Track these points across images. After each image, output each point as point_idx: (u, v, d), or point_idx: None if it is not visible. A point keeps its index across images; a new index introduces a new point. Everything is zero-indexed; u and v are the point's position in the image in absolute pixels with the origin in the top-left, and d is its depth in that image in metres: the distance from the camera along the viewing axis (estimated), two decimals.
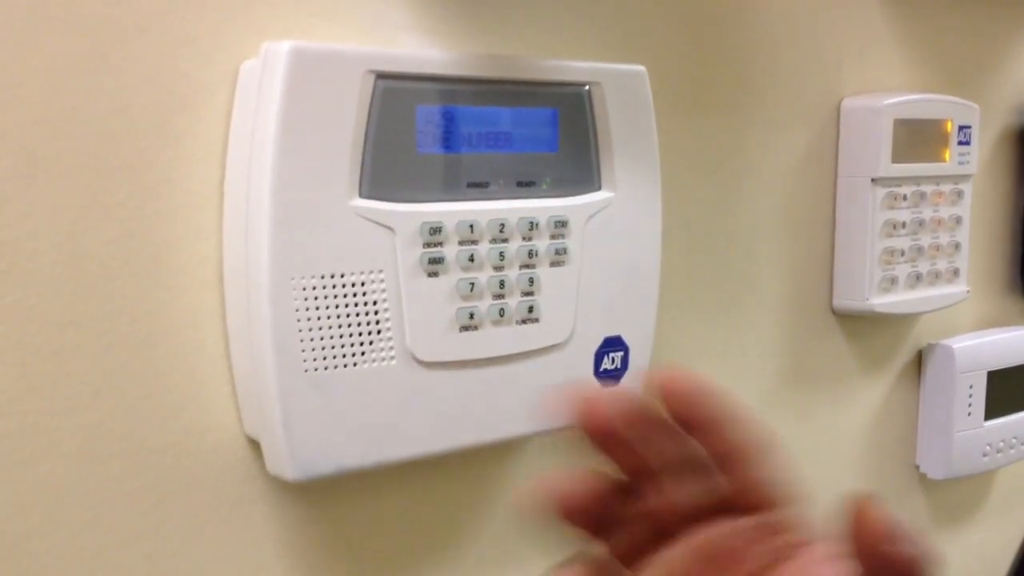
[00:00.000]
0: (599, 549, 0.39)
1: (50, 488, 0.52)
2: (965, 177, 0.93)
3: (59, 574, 0.53)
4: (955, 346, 0.97)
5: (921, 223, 0.89)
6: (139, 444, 0.55)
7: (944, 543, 1.06)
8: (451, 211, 0.58)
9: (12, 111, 0.49)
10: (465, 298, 0.59)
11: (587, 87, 0.63)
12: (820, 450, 0.92)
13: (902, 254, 0.88)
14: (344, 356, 0.55)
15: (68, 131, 0.51)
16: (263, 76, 0.53)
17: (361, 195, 0.55)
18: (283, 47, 0.52)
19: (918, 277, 0.90)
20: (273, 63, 0.52)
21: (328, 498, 0.61)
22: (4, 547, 0.51)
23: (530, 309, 0.61)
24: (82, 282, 0.52)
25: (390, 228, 0.56)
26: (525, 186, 0.61)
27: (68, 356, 0.52)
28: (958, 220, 0.93)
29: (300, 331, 0.54)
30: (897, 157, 0.86)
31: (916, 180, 0.88)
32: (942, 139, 0.90)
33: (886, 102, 0.85)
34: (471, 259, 0.59)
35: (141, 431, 0.55)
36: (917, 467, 1.01)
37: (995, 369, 1.00)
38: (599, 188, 0.64)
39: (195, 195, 0.55)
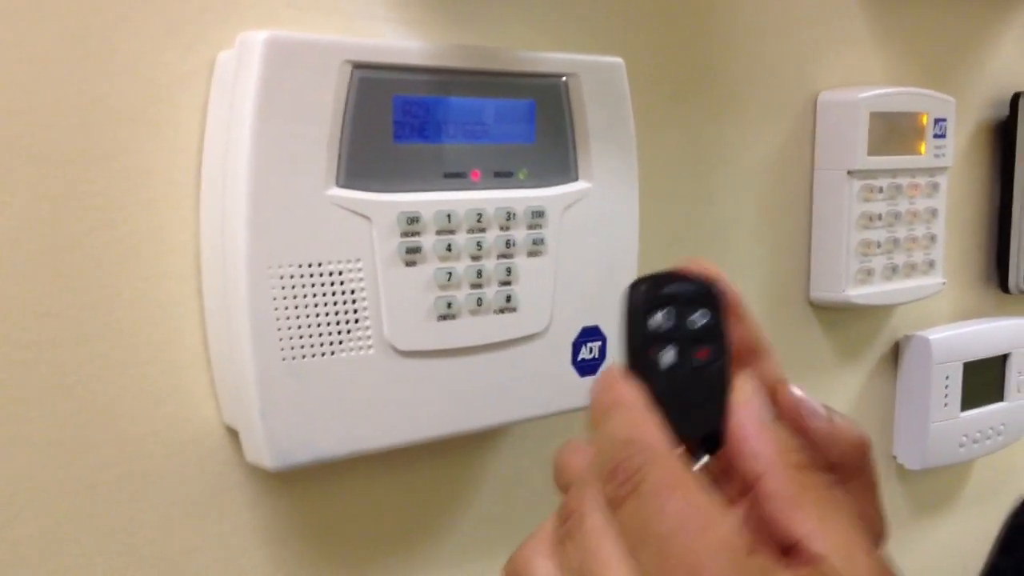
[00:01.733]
0: None
1: (28, 478, 0.52)
2: (941, 170, 0.93)
3: (37, 564, 0.53)
4: (931, 337, 0.98)
5: (897, 215, 0.90)
6: (117, 434, 0.55)
7: (921, 533, 1.07)
8: (428, 201, 0.58)
9: None
10: (443, 288, 0.59)
11: (564, 78, 0.63)
12: None
13: (878, 246, 0.89)
14: (322, 345, 0.56)
15: (46, 120, 0.51)
16: (239, 66, 0.53)
17: (338, 184, 0.55)
18: (259, 37, 0.52)
19: (894, 269, 0.91)
20: (249, 53, 0.52)
21: (306, 487, 0.62)
22: None
23: (508, 299, 0.62)
24: (60, 272, 0.52)
25: (367, 218, 0.56)
26: (502, 176, 0.62)
27: (46, 346, 0.52)
28: (934, 212, 0.94)
29: (278, 320, 0.54)
30: (873, 150, 0.87)
31: (892, 173, 0.89)
32: (918, 132, 0.91)
33: (862, 95, 0.86)
34: (448, 249, 0.59)
35: (119, 421, 0.55)
36: (894, 457, 1.02)
37: (971, 360, 1.01)
38: (576, 179, 0.65)
39: (172, 185, 0.55)
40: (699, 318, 0.39)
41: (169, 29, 0.54)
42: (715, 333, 0.39)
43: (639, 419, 0.37)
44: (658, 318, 0.38)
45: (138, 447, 0.55)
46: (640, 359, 0.38)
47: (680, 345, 0.38)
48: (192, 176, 0.56)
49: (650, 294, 0.39)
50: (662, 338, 0.38)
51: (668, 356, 0.38)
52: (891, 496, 1.03)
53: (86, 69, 0.52)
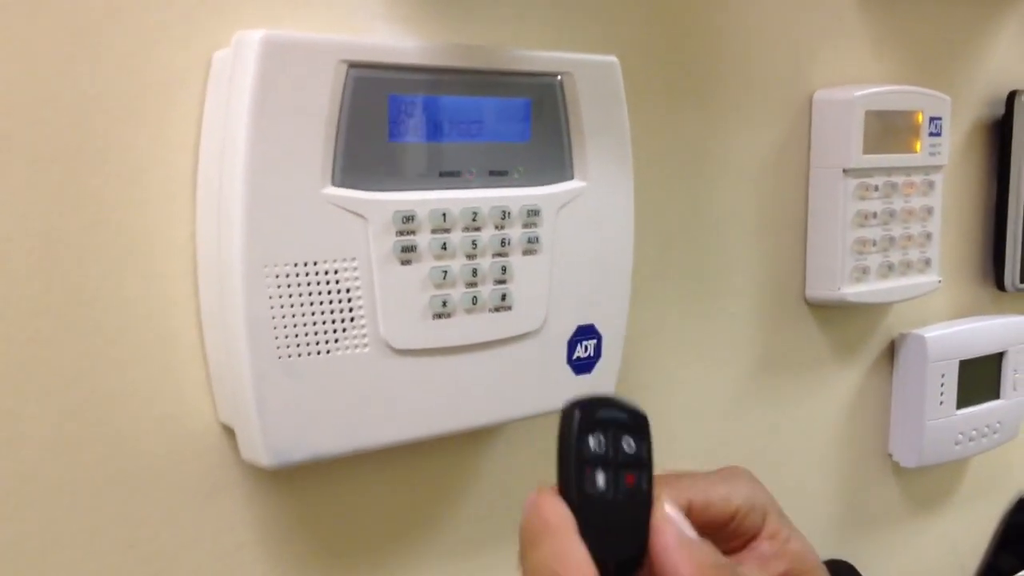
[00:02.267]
0: None
1: (25, 475, 0.52)
2: (936, 168, 0.94)
3: (34, 560, 0.53)
4: (927, 335, 0.99)
5: (892, 213, 0.90)
6: (114, 431, 0.55)
7: (917, 531, 1.07)
8: (424, 199, 0.58)
9: None
10: (438, 286, 0.59)
11: (559, 77, 0.64)
12: (793, 439, 0.93)
13: (874, 244, 0.89)
14: (318, 343, 0.56)
15: (42, 118, 0.51)
16: (235, 65, 0.53)
17: (334, 183, 0.55)
18: (255, 36, 0.52)
19: (890, 267, 0.91)
20: (245, 52, 0.53)
21: (302, 484, 0.62)
22: None
23: (503, 297, 0.62)
24: (56, 269, 0.52)
25: (362, 216, 0.56)
26: (498, 175, 0.62)
27: (42, 343, 0.52)
28: (929, 210, 0.94)
29: (273, 318, 0.54)
30: (868, 148, 0.87)
31: (887, 171, 0.89)
32: (913, 130, 0.91)
33: (857, 94, 0.86)
34: (444, 247, 0.59)
35: (116, 419, 0.55)
36: (890, 455, 1.02)
37: (967, 358, 1.01)
38: (571, 177, 0.65)
39: (168, 183, 0.55)
40: (628, 444, 0.40)
41: (165, 27, 0.54)
42: (642, 460, 0.41)
43: (565, 550, 0.39)
44: (592, 442, 0.40)
45: (134, 445, 0.56)
46: (573, 480, 0.40)
47: (611, 470, 0.40)
48: (188, 174, 0.56)
49: (586, 418, 0.41)
50: (595, 462, 0.40)
51: (599, 479, 0.40)
52: (887, 494, 1.04)
53: (81, 67, 0.52)
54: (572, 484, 0.40)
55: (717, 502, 0.45)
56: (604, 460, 0.40)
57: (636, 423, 0.41)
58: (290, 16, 0.58)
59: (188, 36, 0.55)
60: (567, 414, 0.41)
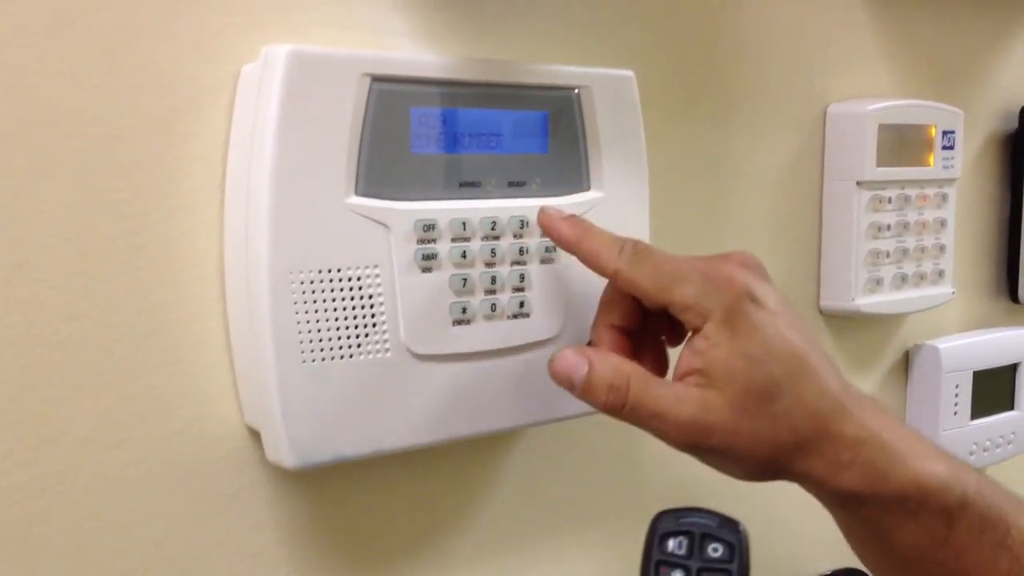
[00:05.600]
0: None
1: (57, 474, 0.54)
2: (949, 181, 0.95)
3: (65, 558, 0.55)
4: (941, 346, 0.99)
5: (906, 225, 0.91)
6: (143, 433, 0.56)
7: None
8: (444, 209, 0.60)
9: (25, 112, 0.51)
10: (458, 293, 0.61)
11: (576, 91, 0.65)
12: None
13: (887, 256, 0.90)
14: (341, 348, 0.57)
15: (78, 131, 0.53)
16: (263, 79, 0.55)
17: (357, 193, 0.57)
18: (282, 51, 0.54)
19: (903, 278, 0.92)
20: (272, 66, 0.54)
21: (326, 486, 0.63)
22: (13, 530, 0.53)
23: (521, 304, 0.63)
24: (90, 276, 0.54)
25: (385, 225, 0.58)
26: (516, 186, 0.63)
27: (76, 347, 0.54)
28: (943, 223, 0.95)
29: (299, 324, 0.56)
30: (882, 161, 0.88)
31: (901, 184, 0.90)
32: (926, 144, 0.92)
33: (871, 107, 0.88)
34: (464, 255, 0.61)
35: (145, 420, 0.56)
36: None
37: (981, 369, 1.02)
38: (588, 188, 0.66)
39: (198, 193, 0.57)
40: (715, 551, 0.42)
41: (195, 43, 0.56)
42: (730, 565, 0.43)
43: None
44: (671, 544, 0.42)
45: (163, 446, 0.57)
46: None
47: (691, 573, 0.42)
48: (217, 184, 0.58)
49: (669, 522, 0.43)
50: (672, 563, 0.42)
51: None
52: None
53: (116, 82, 0.54)
54: None
55: (652, 293, 0.53)
56: (683, 562, 0.42)
57: (726, 530, 0.43)
58: (316, 32, 0.60)
59: (218, 51, 0.57)
60: (654, 518, 0.43)
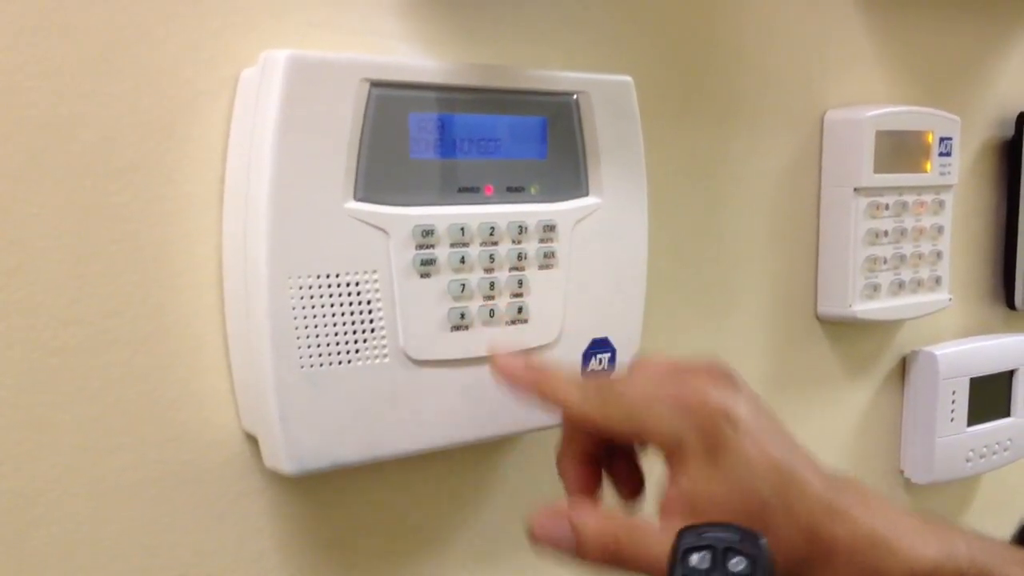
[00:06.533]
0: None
1: (53, 480, 0.54)
2: (946, 187, 0.95)
3: (60, 564, 0.54)
4: (938, 353, 0.99)
5: (903, 232, 0.92)
6: (140, 438, 0.56)
7: None
8: (443, 214, 0.60)
9: (21, 115, 0.51)
10: (456, 299, 0.61)
11: (575, 96, 0.65)
12: None
13: (884, 262, 0.90)
14: (339, 354, 0.57)
15: (74, 134, 0.53)
16: (262, 83, 0.55)
17: (356, 198, 0.57)
18: (281, 55, 0.54)
19: (901, 285, 0.92)
20: (271, 71, 0.54)
21: (324, 491, 0.63)
22: (8, 536, 0.53)
23: (519, 310, 0.63)
24: (87, 280, 0.54)
25: (383, 230, 0.58)
26: (515, 191, 0.63)
27: (72, 352, 0.54)
28: (940, 229, 0.95)
29: (297, 329, 0.56)
30: (879, 167, 0.88)
31: (898, 190, 0.91)
32: (923, 150, 0.92)
33: (868, 114, 0.88)
34: (462, 261, 0.61)
35: (142, 426, 0.56)
36: (901, 472, 1.03)
37: (977, 376, 1.02)
38: (586, 194, 0.66)
39: (196, 197, 0.57)
40: (737, 565, 0.42)
41: (193, 47, 0.56)
42: None
43: None
44: (695, 559, 0.43)
45: (160, 452, 0.57)
46: None
47: None
48: (215, 189, 0.57)
49: (692, 538, 0.44)
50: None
51: None
52: None
53: (113, 85, 0.54)
54: None
55: (627, 432, 0.52)
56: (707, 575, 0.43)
57: (748, 545, 0.43)
58: (315, 36, 0.60)
59: (216, 54, 0.57)
60: (677, 534, 0.44)
